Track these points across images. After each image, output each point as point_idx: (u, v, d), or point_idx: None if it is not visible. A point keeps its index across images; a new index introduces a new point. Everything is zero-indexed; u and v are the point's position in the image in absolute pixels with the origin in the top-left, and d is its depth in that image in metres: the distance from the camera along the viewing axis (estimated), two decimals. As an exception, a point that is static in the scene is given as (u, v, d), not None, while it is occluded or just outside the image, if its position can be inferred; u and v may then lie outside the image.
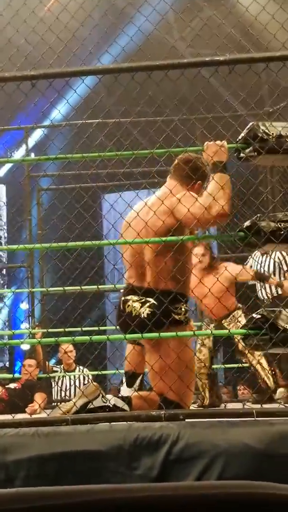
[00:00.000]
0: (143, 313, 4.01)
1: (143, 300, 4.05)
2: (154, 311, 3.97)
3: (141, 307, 4.05)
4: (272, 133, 3.92)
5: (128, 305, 4.10)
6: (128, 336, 4.05)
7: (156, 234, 3.98)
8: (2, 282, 14.30)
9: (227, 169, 3.99)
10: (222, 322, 6.18)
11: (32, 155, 9.78)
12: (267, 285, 6.46)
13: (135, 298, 4.08)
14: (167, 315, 3.98)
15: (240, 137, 4.03)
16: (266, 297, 6.64)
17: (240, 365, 6.69)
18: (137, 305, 4.06)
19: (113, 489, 0.90)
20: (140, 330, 3.94)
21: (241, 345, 5.49)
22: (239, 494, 0.84)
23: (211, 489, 0.89)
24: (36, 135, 11.15)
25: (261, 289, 6.71)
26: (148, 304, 4.02)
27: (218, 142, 4.01)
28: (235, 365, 7.26)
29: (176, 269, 3.98)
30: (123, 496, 0.89)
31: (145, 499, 0.88)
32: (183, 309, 4.06)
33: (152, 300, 4.02)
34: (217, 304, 5.45)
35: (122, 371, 4.69)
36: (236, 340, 5.83)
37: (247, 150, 3.97)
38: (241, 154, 4.02)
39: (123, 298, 4.17)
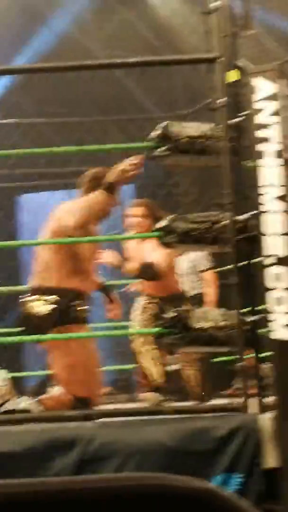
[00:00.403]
0: (42, 312, 4.03)
1: (42, 299, 4.07)
2: (53, 309, 4.00)
3: (40, 306, 4.07)
4: (183, 133, 3.95)
5: (29, 305, 4.11)
6: (28, 338, 4.06)
7: (55, 235, 4.05)
8: None
9: (113, 191, 4.02)
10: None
11: None
12: (184, 285, 6.44)
13: (35, 297, 4.11)
14: (65, 314, 4.01)
15: (151, 136, 4.04)
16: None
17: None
18: (37, 304, 4.07)
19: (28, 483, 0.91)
20: (39, 329, 3.97)
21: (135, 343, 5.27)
22: (131, 486, 0.86)
23: (105, 482, 0.91)
24: None
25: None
26: (46, 302, 4.04)
27: (123, 163, 4.05)
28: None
29: (75, 267, 4.04)
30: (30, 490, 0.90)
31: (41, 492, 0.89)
32: (80, 308, 4.10)
33: (50, 299, 4.05)
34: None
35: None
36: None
37: (159, 150, 3.98)
38: (153, 154, 4.03)
39: (25, 299, 4.19)
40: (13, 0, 8.38)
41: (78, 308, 4.06)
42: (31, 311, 4.05)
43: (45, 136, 4.81)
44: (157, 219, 4.46)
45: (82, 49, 5.24)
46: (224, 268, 3.90)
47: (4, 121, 5.96)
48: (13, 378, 7.87)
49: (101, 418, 3.61)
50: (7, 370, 7.09)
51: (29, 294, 4.13)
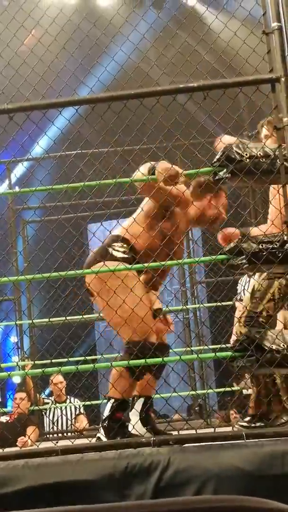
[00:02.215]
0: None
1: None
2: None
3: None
4: (246, 154, 3.94)
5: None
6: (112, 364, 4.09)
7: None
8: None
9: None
10: None
11: (16, 189, 9.78)
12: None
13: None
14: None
15: (215, 160, 4.05)
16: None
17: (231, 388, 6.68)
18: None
19: (108, 508, 0.91)
20: None
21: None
22: (224, 507, 0.85)
23: (196, 503, 0.90)
24: (19, 169, 11.18)
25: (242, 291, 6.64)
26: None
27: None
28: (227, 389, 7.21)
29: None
30: None
31: None
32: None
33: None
34: None
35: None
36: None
37: (222, 172, 3.98)
38: (217, 176, 4.03)
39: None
40: (70, 32, 8.52)
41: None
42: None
43: (111, 166, 4.84)
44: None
45: (144, 77, 5.27)
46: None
47: (70, 152, 6.05)
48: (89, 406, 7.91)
49: (178, 443, 3.58)
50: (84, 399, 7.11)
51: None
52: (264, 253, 3.89)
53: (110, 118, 4.28)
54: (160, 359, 4.11)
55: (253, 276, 4.35)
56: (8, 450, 3.96)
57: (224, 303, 6.85)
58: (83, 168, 4.74)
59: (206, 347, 7.32)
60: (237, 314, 6.38)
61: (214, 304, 8.12)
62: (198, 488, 3.29)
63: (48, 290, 5.64)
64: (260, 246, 3.93)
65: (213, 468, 3.33)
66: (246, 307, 4.31)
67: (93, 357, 6.19)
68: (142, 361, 4.02)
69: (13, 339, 12.34)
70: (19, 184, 11.04)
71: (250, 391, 5.78)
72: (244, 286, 6.72)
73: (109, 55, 6.22)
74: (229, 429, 4.51)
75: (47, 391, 10.12)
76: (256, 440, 3.48)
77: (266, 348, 3.77)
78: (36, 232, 6.32)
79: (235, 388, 6.69)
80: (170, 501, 1.03)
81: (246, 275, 6.52)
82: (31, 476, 3.45)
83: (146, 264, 4.19)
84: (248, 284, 6.52)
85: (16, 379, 9.53)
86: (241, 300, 6.33)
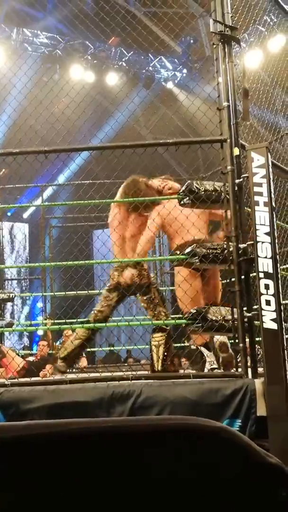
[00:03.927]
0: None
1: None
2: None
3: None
4: (201, 188, 3.96)
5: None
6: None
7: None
8: (25, 288, 14.17)
9: None
10: None
11: (46, 203, 9.77)
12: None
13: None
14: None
15: (181, 191, 4.06)
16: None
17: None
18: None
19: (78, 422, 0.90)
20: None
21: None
22: (169, 424, 0.86)
23: (165, 420, 0.90)
24: (48, 191, 11.15)
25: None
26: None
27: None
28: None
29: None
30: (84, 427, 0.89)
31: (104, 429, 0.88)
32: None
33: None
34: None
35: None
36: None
37: (185, 200, 4.00)
38: (181, 202, 4.04)
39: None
40: (90, 102, 8.53)
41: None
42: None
43: (111, 192, 4.83)
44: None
45: (136, 133, 5.29)
46: (229, 280, 3.87)
47: (84, 182, 6.05)
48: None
49: (147, 379, 3.58)
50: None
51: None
52: (211, 256, 3.91)
53: (112, 160, 4.27)
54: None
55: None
56: (33, 379, 3.95)
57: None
58: (92, 193, 4.74)
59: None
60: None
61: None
62: (160, 409, 3.30)
63: (65, 272, 5.62)
64: (208, 251, 3.94)
65: (170, 396, 3.34)
66: None
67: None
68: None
69: (39, 304, 12.32)
70: (48, 200, 11.02)
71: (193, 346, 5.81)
72: None
73: (113, 117, 6.17)
74: (181, 371, 4.52)
75: (60, 341, 10.08)
76: (199, 379, 3.50)
77: (208, 319, 3.78)
78: (58, 233, 6.26)
79: (186, 344, 6.68)
80: (144, 418, 1.03)
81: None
82: (48, 397, 3.45)
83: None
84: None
85: (40, 332, 9.49)
86: None
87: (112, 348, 9.89)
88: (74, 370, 6.97)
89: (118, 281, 4.34)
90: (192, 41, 11.92)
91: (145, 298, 4.31)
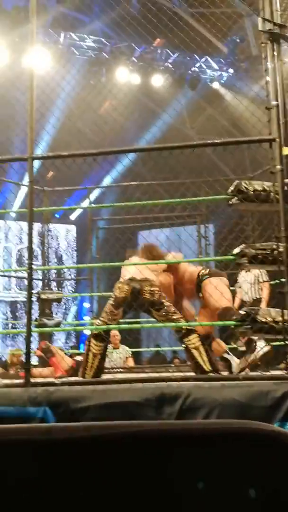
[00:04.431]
0: None
1: None
2: None
3: None
4: (250, 188, 3.91)
5: None
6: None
7: None
8: (72, 289, 14.36)
9: None
10: None
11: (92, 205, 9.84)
12: (249, 291, 6.31)
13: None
14: None
15: (229, 191, 4.02)
16: (248, 300, 6.51)
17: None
18: None
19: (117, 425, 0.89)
20: None
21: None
22: (221, 428, 0.84)
23: (213, 425, 0.89)
24: (95, 192, 11.24)
25: (245, 294, 6.59)
26: None
27: None
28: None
29: None
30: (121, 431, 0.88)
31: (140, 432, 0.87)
32: None
33: None
34: None
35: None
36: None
37: (234, 200, 3.95)
38: (230, 202, 4.01)
39: None
40: (136, 104, 8.53)
41: None
42: None
43: (158, 193, 4.83)
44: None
45: (182, 134, 5.26)
46: (278, 280, 3.79)
47: (132, 183, 6.06)
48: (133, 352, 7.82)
49: (195, 381, 3.56)
50: (132, 347, 7.03)
51: None
52: (260, 256, 3.85)
53: (159, 161, 4.27)
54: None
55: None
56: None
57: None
58: (139, 194, 4.74)
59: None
60: (238, 295, 6.35)
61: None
62: (208, 412, 3.27)
63: (111, 273, 5.65)
64: (256, 252, 3.89)
65: (218, 398, 3.30)
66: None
67: (138, 319, 6.17)
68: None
69: (86, 305, 12.43)
70: (95, 202, 11.11)
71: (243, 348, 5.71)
72: (243, 275, 6.64)
73: (160, 118, 6.17)
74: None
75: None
76: (248, 381, 3.45)
77: (258, 320, 3.72)
78: (105, 235, 6.29)
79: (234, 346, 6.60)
80: (194, 422, 1.01)
81: (244, 270, 6.45)
82: (97, 397, 3.46)
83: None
84: (244, 273, 6.46)
85: (87, 332, 9.55)
86: (239, 287, 6.28)
87: (158, 349, 9.89)
88: (121, 369, 6.99)
89: (125, 295, 4.23)
90: (238, 40, 11.80)
91: (159, 313, 4.20)
